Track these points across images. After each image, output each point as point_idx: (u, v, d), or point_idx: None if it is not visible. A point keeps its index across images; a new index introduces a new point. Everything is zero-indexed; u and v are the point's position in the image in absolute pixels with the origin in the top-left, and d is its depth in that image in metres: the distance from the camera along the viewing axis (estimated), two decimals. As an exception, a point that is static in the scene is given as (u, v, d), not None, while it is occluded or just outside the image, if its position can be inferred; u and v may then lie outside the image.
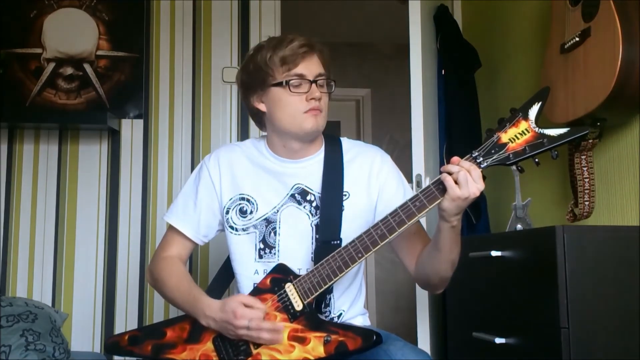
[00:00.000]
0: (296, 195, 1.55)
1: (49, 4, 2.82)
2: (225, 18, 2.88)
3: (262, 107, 1.56)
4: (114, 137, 2.78)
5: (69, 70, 2.80)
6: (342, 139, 1.64)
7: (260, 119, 1.60)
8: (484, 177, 2.75)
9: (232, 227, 1.56)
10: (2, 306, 2.40)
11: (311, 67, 1.51)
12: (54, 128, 2.76)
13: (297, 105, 1.50)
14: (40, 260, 2.69)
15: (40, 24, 2.80)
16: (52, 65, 2.79)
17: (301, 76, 1.50)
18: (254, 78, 1.54)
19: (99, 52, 2.81)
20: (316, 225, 1.52)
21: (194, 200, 1.60)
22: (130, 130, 2.79)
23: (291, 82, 1.49)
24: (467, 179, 1.26)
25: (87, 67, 2.80)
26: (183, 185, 1.66)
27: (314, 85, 1.50)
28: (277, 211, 1.54)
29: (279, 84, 1.50)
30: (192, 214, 1.60)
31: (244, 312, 1.37)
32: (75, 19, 2.82)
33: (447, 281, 1.49)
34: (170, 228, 1.63)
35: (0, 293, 2.64)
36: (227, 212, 1.57)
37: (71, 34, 2.81)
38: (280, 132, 1.55)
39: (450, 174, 1.28)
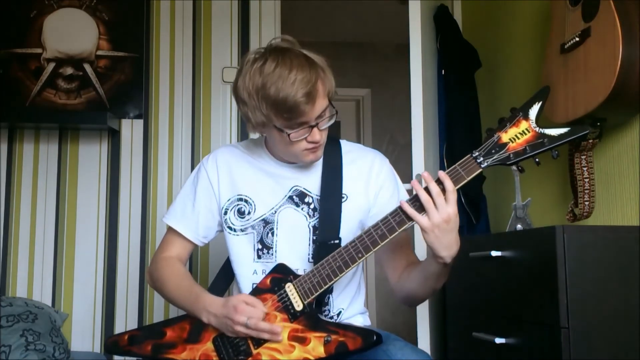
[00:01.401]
0: (294, 197, 1.55)
1: (49, 4, 2.82)
2: (225, 18, 2.88)
3: (262, 132, 1.52)
4: (114, 137, 2.78)
5: (69, 70, 2.80)
6: (341, 141, 1.63)
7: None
8: (484, 178, 2.76)
9: (230, 228, 1.56)
10: (2, 306, 2.40)
11: (314, 111, 1.40)
12: (54, 128, 2.76)
13: (298, 146, 1.45)
14: (40, 260, 2.69)
15: (40, 24, 2.80)
16: (52, 65, 2.79)
17: (302, 124, 1.41)
18: (252, 113, 1.43)
19: (99, 52, 2.81)
20: (314, 227, 1.52)
21: (193, 202, 1.60)
22: (130, 130, 2.80)
23: (291, 133, 1.41)
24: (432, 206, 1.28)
25: (87, 67, 2.80)
26: (182, 187, 1.66)
27: (315, 128, 1.42)
28: (275, 212, 1.54)
29: (279, 129, 1.42)
30: (190, 216, 1.60)
31: (245, 309, 1.37)
32: (75, 19, 2.82)
33: (424, 301, 1.55)
34: (170, 229, 1.63)
35: (0, 293, 2.64)
36: (226, 213, 1.57)
37: (71, 34, 2.81)
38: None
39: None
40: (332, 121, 1.46)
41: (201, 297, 1.47)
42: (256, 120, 1.43)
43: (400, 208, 1.33)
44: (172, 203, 1.65)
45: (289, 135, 1.41)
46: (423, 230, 1.30)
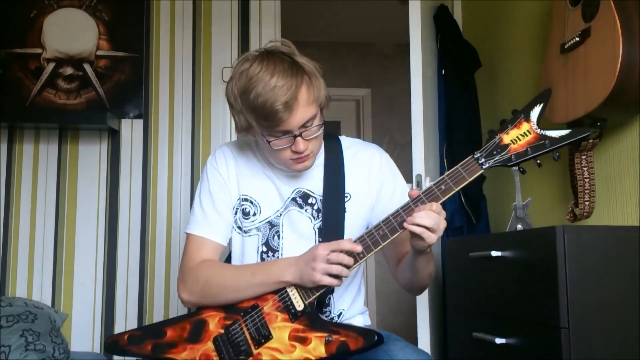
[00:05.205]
0: (297, 198, 1.54)
1: (49, 4, 2.82)
2: (225, 18, 2.88)
3: (253, 139, 1.54)
4: (114, 137, 2.79)
5: (68, 70, 2.80)
6: (341, 137, 1.62)
7: None
8: (484, 178, 2.75)
9: (238, 227, 1.56)
10: (2, 306, 2.40)
11: (295, 119, 1.37)
12: (54, 128, 2.76)
13: (283, 155, 1.44)
14: (40, 260, 2.69)
15: (40, 24, 2.80)
16: (52, 65, 2.79)
17: (285, 132, 1.39)
18: (237, 117, 1.43)
19: (99, 52, 2.81)
20: (319, 229, 1.52)
21: (212, 204, 1.55)
22: (130, 130, 2.80)
23: (272, 141, 1.40)
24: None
25: (87, 67, 2.80)
26: (195, 196, 1.60)
27: (299, 138, 1.40)
28: (280, 215, 1.53)
29: (261, 136, 1.42)
30: (214, 218, 1.54)
31: (326, 244, 1.35)
32: (75, 19, 2.82)
33: (425, 286, 1.56)
34: (194, 238, 1.56)
35: (0, 293, 2.64)
36: (235, 213, 1.56)
37: (71, 34, 2.81)
38: None
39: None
40: (320, 132, 1.44)
41: (274, 262, 1.45)
42: (241, 124, 1.44)
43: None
44: (192, 213, 1.59)
45: (269, 142, 1.41)
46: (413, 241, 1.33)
